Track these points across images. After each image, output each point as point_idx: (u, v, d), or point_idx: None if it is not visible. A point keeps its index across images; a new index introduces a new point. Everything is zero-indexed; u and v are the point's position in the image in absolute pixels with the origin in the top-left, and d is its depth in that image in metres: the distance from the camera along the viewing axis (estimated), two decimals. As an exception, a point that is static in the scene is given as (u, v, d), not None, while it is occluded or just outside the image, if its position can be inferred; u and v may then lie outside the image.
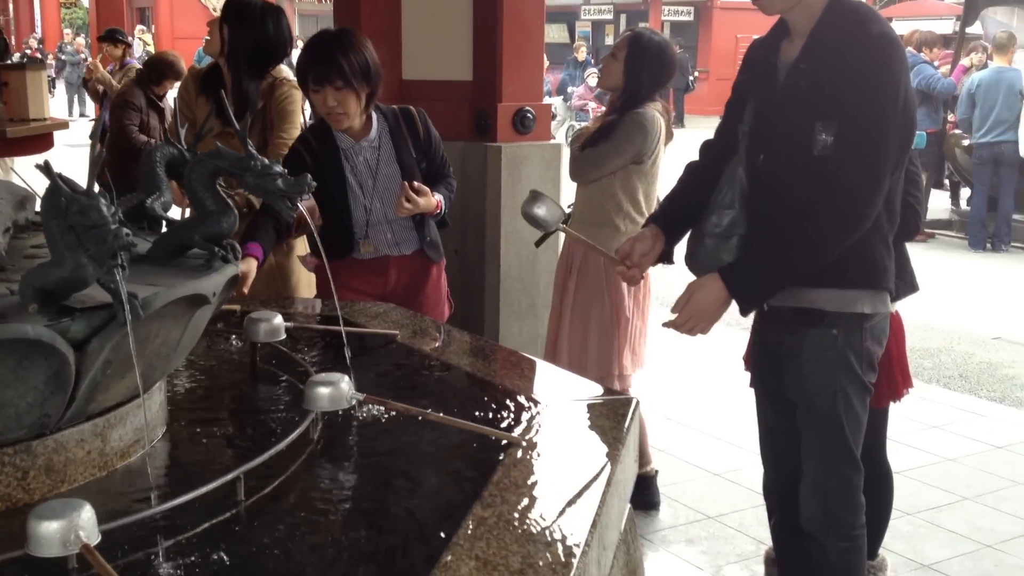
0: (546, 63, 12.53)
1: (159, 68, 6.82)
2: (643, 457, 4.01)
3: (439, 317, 3.44)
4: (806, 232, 2.44)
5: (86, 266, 1.58)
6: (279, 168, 2.01)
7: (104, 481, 1.83)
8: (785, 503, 2.83)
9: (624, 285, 3.81)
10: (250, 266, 2.92)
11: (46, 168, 1.53)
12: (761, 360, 2.79)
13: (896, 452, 4.32)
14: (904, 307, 3.16)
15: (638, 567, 2.34)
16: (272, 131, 3.67)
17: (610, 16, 29.77)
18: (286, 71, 3.83)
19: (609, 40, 27.16)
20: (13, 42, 28.74)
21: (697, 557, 3.73)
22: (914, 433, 4.92)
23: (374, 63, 3.15)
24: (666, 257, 2.79)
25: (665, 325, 2.60)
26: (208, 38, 3.84)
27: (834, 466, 2.63)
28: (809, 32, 2.47)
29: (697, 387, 5.59)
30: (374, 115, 3.30)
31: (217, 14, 3.84)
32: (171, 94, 6.84)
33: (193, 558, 1.58)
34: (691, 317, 2.52)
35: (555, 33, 26.86)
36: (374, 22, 4.97)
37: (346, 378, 2.06)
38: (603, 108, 4.32)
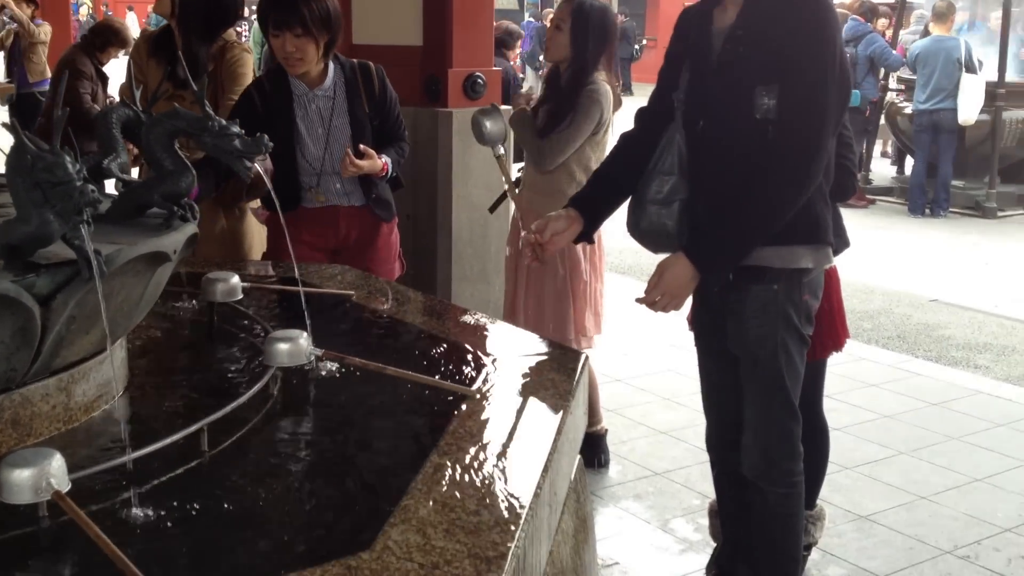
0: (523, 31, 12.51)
1: (104, 35, 6.77)
2: (594, 416, 4.08)
3: (389, 275, 3.49)
4: (761, 197, 2.52)
5: (51, 222, 1.62)
6: (236, 128, 2.04)
7: (68, 435, 1.87)
8: (726, 455, 2.93)
9: (578, 250, 3.83)
10: None
11: (12, 127, 1.57)
12: (703, 317, 2.88)
13: (836, 410, 4.48)
14: (845, 271, 3.27)
15: (587, 517, 2.44)
16: (223, 93, 3.68)
17: (556, -18, 29.66)
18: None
19: (556, 3, 26.99)
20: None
21: (644, 512, 3.84)
22: (853, 391, 5.06)
23: (335, 10, 3.21)
24: (585, 236, 2.84)
25: (638, 301, 2.65)
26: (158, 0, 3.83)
27: (775, 416, 2.74)
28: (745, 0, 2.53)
29: (645, 348, 5.70)
30: (331, 65, 3.35)
31: None
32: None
33: (160, 504, 1.63)
34: (663, 295, 2.58)
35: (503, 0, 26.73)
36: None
37: (304, 335, 2.12)
38: None
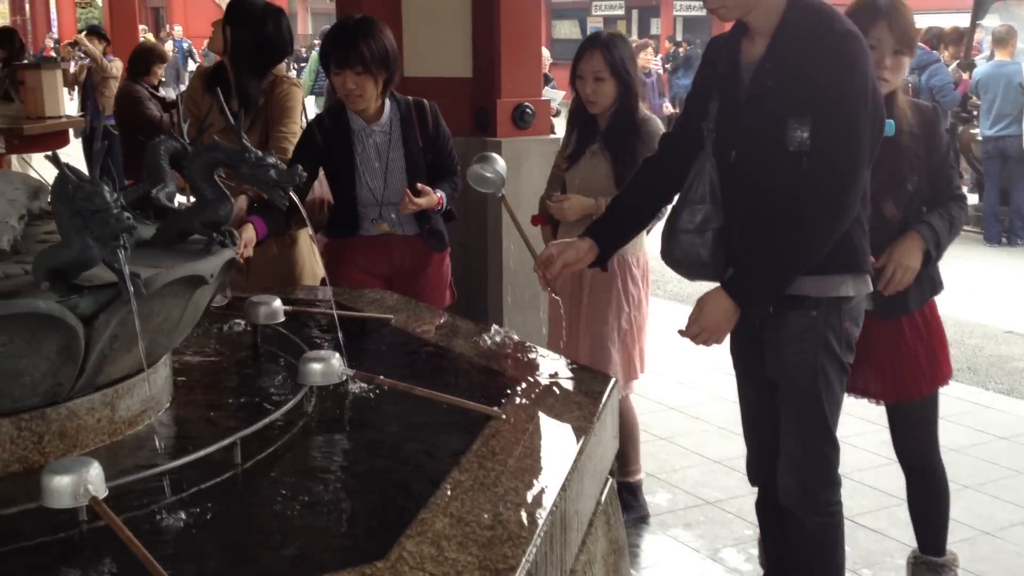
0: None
1: (143, 57, 7.04)
2: (629, 463, 4.00)
3: (439, 303, 3.59)
4: (798, 230, 2.53)
5: (92, 247, 1.73)
6: (272, 160, 2.15)
7: (113, 447, 1.98)
8: (766, 482, 2.94)
9: (639, 289, 3.81)
10: (249, 233, 3.20)
11: (54, 159, 1.68)
12: (742, 343, 2.89)
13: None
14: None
15: (620, 541, 2.47)
16: (273, 126, 3.81)
17: (622, 12, 29.85)
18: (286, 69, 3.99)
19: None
20: (31, 41, 29.05)
21: (694, 540, 3.85)
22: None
23: (393, 50, 3.36)
24: (600, 263, 2.88)
25: (680, 334, 2.67)
26: (211, 37, 3.98)
27: (812, 444, 2.73)
28: (772, 32, 2.56)
29: (700, 376, 5.70)
30: (388, 102, 3.48)
31: None
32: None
33: (193, 512, 1.73)
34: (703, 330, 2.61)
35: (567, 29, 26.99)
36: (377, 20, 5.12)
37: (337, 355, 2.21)
38: None
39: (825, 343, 2.66)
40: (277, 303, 2.60)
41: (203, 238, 2.17)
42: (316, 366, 2.17)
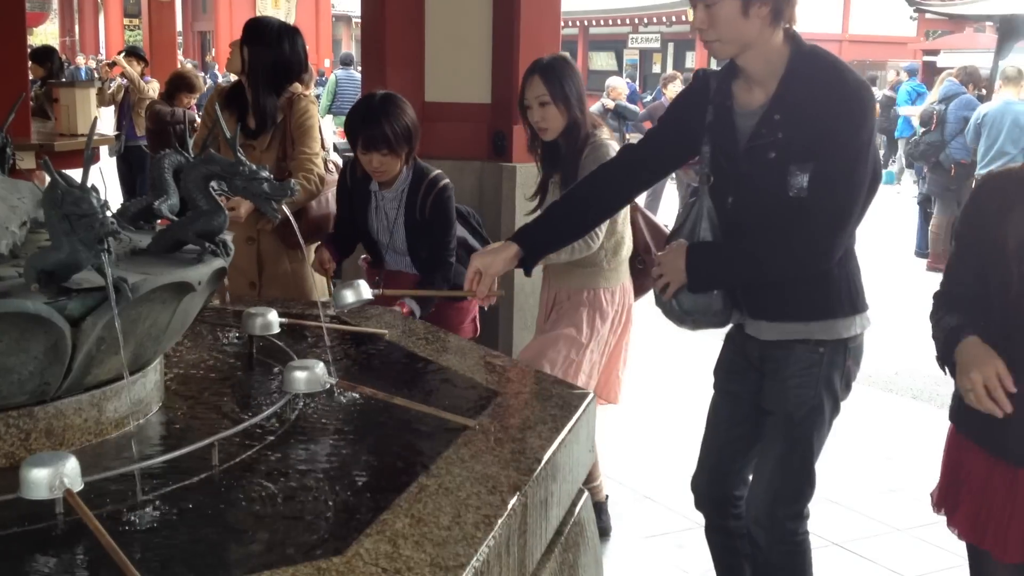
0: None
1: (175, 83, 7.29)
2: (591, 482, 3.90)
3: (463, 335, 3.66)
4: (775, 246, 2.58)
5: (80, 250, 1.82)
6: (265, 173, 2.24)
7: (98, 446, 2.07)
8: (714, 507, 2.98)
9: (607, 327, 3.75)
10: (324, 254, 3.65)
11: (46, 165, 1.78)
12: (737, 366, 2.88)
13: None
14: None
15: (596, 552, 2.52)
16: (294, 145, 3.92)
17: (657, 45, 29.97)
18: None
19: (656, 68, 27.35)
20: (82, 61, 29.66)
21: (686, 561, 3.89)
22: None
23: (414, 125, 3.49)
24: (524, 267, 2.85)
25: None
26: (230, 58, 4.10)
27: (792, 476, 2.74)
28: (779, 82, 2.53)
29: (692, 400, 5.71)
30: (406, 169, 3.58)
31: None
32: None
33: (166, 509, 1.81)
34: (662, 276, 2.70)
35: (603, 61, 27.14)
36: (399, 46, 5.24)
37: (321, 364, 2.29)
38: None
39: (828, 380, 2.68)
40: (272, 315, 2.68)
41: (196, 248, 2.26)
42: (300, 374, 2.25)
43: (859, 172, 2.51)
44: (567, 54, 3.74)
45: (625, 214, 3.74)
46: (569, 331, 3.68)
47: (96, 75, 15.87)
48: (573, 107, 3.57)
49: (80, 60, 26.39)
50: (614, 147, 3.52)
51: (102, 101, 9.27)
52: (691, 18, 2.55)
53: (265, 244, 3.98)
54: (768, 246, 2.59)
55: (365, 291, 2.88)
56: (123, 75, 9.00)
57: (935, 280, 2.67)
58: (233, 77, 4.36)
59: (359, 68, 20.92)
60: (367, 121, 3.44)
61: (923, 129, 10.13)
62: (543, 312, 3.91)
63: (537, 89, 3.57)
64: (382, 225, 3.68)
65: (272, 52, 3.85)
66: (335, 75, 13.43)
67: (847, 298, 2.65)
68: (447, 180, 3.69)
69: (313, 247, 4.06)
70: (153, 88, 9.13)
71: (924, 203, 10.65)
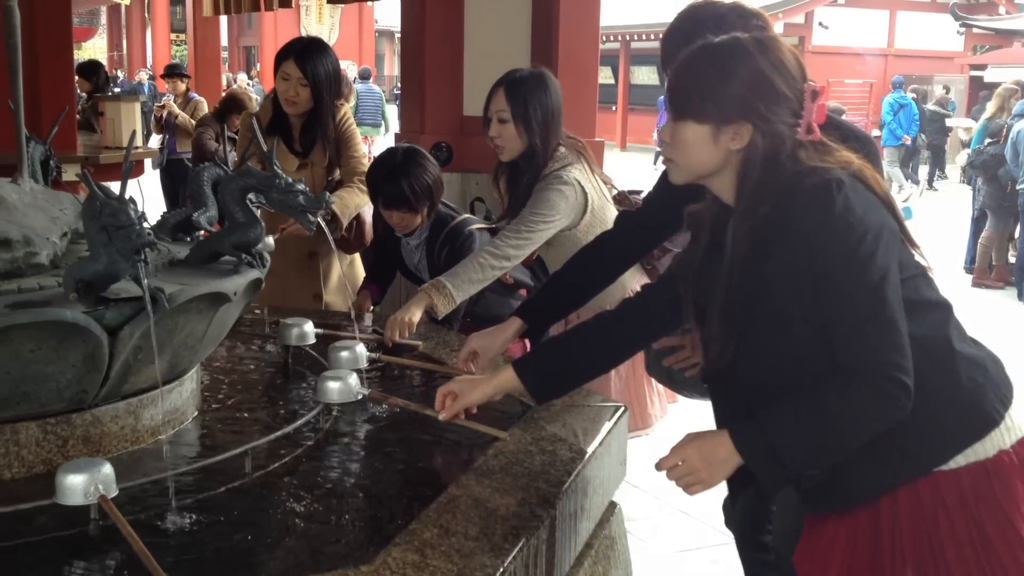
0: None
1: (227, 104, 7.38)
2: None
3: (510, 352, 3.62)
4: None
5: (119, 261, 1.85)
6: (301, 186, 2.27)
7: (134, 453, 2.11)
8: (744, 525, 2.92)
9: None
10: (364, 299, 3.54)
11: (85, 177, 1.82)
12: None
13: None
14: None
15: (627, 566, 2.52)
16: (343, 152, 3.98)
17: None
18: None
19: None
20: (127, 75, 30.13)
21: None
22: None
23: (435, 181, 3.47)
24: (531, 337, 2.67)
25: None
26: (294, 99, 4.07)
27: None
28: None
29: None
30: (428, 220, 3.59)
31: None
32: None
33: (199, 516, 1.84)
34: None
35: (645, 75, 27.06)
36: (438, 61, 5.29)
37: (355, 375, 2.31)
38: None
39: None
40: (308, 326, 2.71)
41: (233, 259, 2.29)
42: (333, 384, 2.28)
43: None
44: (546, 71, 3.33)
45: (583, 223, 3.32)
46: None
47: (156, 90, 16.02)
48: (533, 132, 3.18)
49: (143, 75, 26.74)
50: (571, 183, 3.16)
51: (152, 127, 9.52)
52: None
53: (324, 255, 4.06)
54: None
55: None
56: (171, 114, 9.14)
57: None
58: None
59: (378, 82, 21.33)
60: (388, 179, 3.45)
61: (990, 140, 10.00)
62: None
63: (499, 103, 3.21)
64: (411, 265, 3.71)
65: (328, 65, 3.91)
66: (355, 89, 13.68)
67: None
68: (471, 229, 3.56)
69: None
70: (202, 109, 9.25)
71: (980, 218, 10.50)
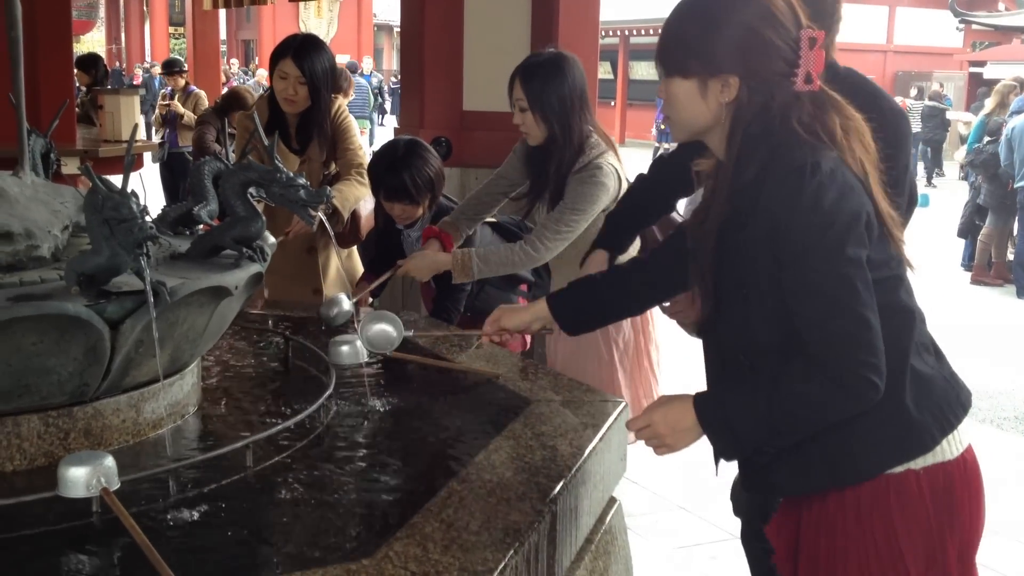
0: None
1: (229, 101, 7.40)
2: None
3: (511, 348, 3.63)
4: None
5: (120, 254, 1.85)
6: (302, 180, 2.27)
7: (136, 447, 2.11)
8: (752, 511, 2.93)
9: (616, 331, 3.49)
10: (363, 292, 3.46)
11: (87, 171, 1.82)
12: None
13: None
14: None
15: (627, 562, 2.52)
16: (339, 145, 3.98)
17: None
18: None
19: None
20: (125, 69, 30.10)
21: (719, 572, 3.87)
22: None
23: (436, 174, 3.49)
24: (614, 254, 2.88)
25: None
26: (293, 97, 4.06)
27: None
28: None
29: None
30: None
31: None
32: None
33: (200, 509, 1.84)
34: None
35: (644, 71, 27.03)
36: (437, 56, 5.29)
37: (357, 340, 2.50)
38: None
39: None
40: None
41: (234, 253, 2.29)
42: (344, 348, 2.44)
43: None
44: (565, 54, 3.28)
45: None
46: (592, 367, 3.45)
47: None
48: (551, 119, 3.20)
49: (156, 69, 26.73)
50: (610, 173, 3.21)
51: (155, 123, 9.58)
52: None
53: (323, 251, 4.06)
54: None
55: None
56: (173, 109, 9.18)
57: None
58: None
59: (363, 74, 21.36)
60: (390, 171, 3.46)
61: (989, 139, 9.99)
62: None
63: (517, 91, 3.24)
64: (411, 254, 3.70)
65: (324, 60, 3.91)
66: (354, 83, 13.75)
67: None
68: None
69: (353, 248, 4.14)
70: (203, 104, 9.26)
71: (970, 217, 10.49)
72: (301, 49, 3.87)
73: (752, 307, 1.83)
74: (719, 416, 1.84)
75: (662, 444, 1.91)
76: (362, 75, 21.27)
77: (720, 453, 1.89)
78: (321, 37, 4.39)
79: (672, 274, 2.20)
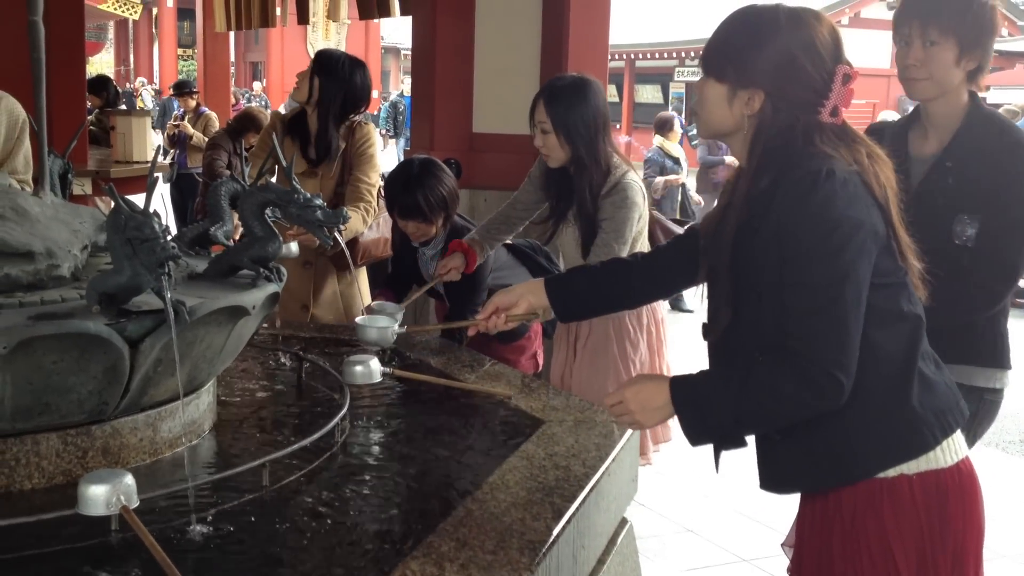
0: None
1: (243, 122, 7.42)
2: None
3: (523, 369, 3.64)
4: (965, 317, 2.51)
5: (142, 274, 1.88)
6: (319, 201, 2.29)
7: (153, 465, 2.12)
8: None
9: (633, 349, 3.49)
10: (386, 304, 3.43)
11: (110, 191, 1.84)
12: None
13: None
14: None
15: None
16: (350, 171, 3.99)
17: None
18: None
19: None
20: (135, 90, 30.24)
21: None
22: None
23: (450, 193, 3.52)
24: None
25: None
26: (297, 87, 4.14)
27: None
28: (954, 132, 2.55)
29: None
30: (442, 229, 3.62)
31: None
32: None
33: (218, 528, 1.85)
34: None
35: (649, 94, 27.20)
36: (448, 78, 5.32)
37: (375, 359, 2.50)
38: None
39: None
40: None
41: (251, 273, 2.31)
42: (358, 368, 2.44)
43: (1022, 232, 2.49)
44: (588, 78, 3.34)
45: (643, 220, 3.41)
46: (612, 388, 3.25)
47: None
48: (576, 142, 3.24)
49: (141, 88, 26.86)
50: (637, 190, 3.29)
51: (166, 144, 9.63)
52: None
53: (320, 268, 4.06)
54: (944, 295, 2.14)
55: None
56: (183, 131, 9.24)
57: None
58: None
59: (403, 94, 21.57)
60: (404, 190, 3.50)
61: None
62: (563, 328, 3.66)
63: (540, 114, 3.29)
64: (428, 276, 3.73)
65: (343, 84, 3.93)
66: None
67: (990, 350, 2.62)
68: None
69: (360, 272, 4.13)
70: (213, 125, 9.31)
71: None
72: (319, 64, 3.95)
73: (765, 307, 1.88)
74: (691, 397, 1.92)
75: (632, 420, 2.00)
76: (401, 95, 22.46)
77: (688, 435, 1.95)
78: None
79: (674, 273, 2.27)
